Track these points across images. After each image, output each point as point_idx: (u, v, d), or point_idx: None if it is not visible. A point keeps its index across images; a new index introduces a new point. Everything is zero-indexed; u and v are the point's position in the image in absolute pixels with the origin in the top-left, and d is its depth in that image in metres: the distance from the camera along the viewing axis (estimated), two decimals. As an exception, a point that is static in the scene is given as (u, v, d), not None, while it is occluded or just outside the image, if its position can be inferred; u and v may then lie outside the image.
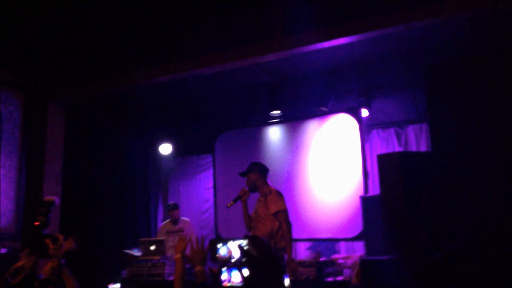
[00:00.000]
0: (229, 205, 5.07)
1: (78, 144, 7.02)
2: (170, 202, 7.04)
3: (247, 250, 1.29)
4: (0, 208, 5.96)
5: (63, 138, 6.65)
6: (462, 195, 2.36)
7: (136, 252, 6.09)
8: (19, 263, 3.83)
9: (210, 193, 7.99)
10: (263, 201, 4.96)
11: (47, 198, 3.93)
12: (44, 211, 3.59)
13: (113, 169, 7.75)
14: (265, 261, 1.29)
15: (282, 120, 7.34)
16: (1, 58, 5.94)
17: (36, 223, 3.51)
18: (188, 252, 3.13)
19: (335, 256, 5.67)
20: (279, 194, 4.95)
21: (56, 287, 3.03)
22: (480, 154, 2.23)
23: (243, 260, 1.29)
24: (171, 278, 5.53)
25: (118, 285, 3.42)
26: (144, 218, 8.18)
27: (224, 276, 2.13)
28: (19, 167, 6.26)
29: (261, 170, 5.14)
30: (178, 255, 3.10)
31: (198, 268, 5.00)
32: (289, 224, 4.86)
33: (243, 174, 5.17)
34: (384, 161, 2.89)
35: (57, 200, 3.97)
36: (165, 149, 7.91)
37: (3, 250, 5.32)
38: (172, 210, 6.85)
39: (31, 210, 6.16)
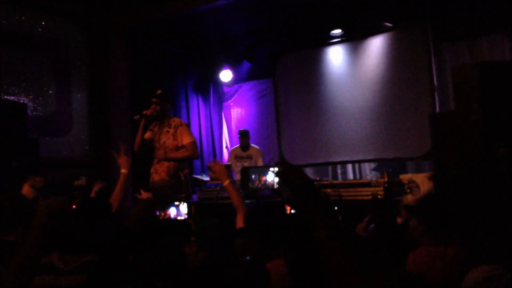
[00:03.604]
0: (136, 118, 5.00)
1: (142, 74, 7.13)
2: (241, 129, 7.16)
3: (286, 176, 1.29)
4: (75, 138, 6.29)
5: (127, 69, 6.77)
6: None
7: (205, 177, 6.31)
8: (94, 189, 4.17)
9: (272, 118, 7.96)
10: (172, 133, 4.94)
11: None
12: None
13: (176, 97, 7.88)
14: (303, 185, 1.29)
15: (343, 39, 7.04)
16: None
17: None
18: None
19: (403, 175, 5.58)
20: (188, 126, 5.13)
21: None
22: None
23: (283, 186, 1.30)
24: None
25: (185, 204, 3.59)
26: (209, 144, 8.38)
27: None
28: (89, 99, 6.50)
29: (172, 101, 5.20)
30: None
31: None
32: (198, 155, 5.15)
33: (158, 97, 4.97)
34: (460, 72, 2.71)
35: None
36: (226, 75, 7.90)
37: (82, 178, 5.63)
38: (242, 137, 6.95)
39: (104, 140, 6.45)
